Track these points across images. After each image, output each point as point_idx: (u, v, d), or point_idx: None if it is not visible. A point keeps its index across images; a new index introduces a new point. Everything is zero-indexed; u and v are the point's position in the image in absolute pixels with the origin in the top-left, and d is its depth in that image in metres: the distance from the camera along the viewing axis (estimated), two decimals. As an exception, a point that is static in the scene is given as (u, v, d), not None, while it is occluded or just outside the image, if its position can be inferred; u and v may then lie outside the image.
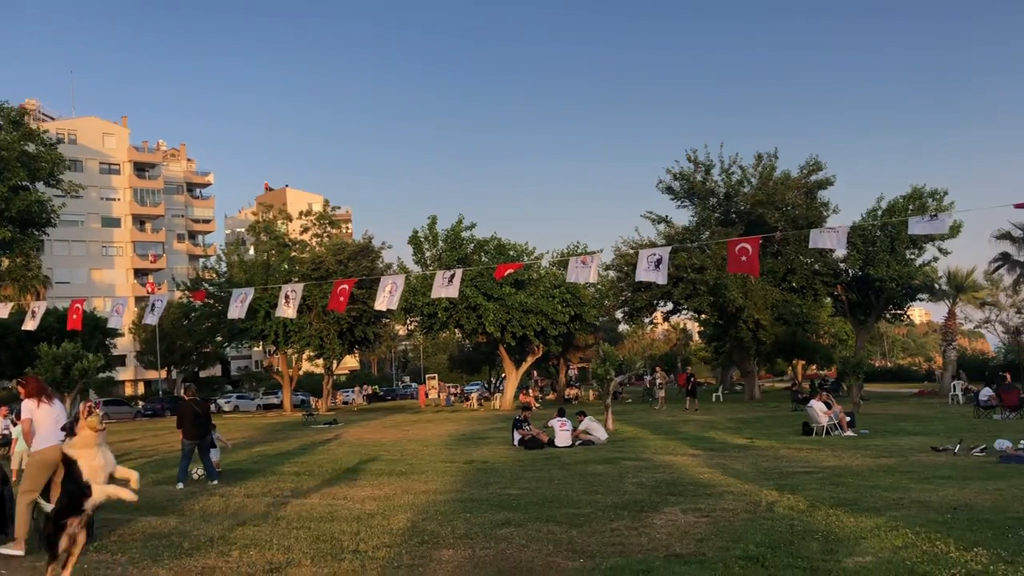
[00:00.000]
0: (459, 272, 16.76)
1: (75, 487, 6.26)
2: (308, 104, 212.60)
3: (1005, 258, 32.30)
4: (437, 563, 7.02)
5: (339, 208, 56.34)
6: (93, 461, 6.27)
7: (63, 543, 6.24)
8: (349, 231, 65.87)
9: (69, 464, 6.34)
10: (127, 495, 6.40)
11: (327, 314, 42.11)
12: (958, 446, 14.59)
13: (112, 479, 6.46)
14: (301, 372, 53.90)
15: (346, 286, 15.89)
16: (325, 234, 48.42)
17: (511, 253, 40.97)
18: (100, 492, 6.30)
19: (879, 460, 13.59)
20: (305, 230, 48.11)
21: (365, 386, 69.31)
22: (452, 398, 52.98)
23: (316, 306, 42.02)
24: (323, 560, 7.25)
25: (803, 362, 63.14)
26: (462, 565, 6.93)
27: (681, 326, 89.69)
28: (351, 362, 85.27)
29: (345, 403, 60.77)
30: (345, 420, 34.17)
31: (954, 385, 32.88)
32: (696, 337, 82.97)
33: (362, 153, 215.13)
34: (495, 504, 10.12)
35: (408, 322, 46.63)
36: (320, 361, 50.26)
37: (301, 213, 49.07)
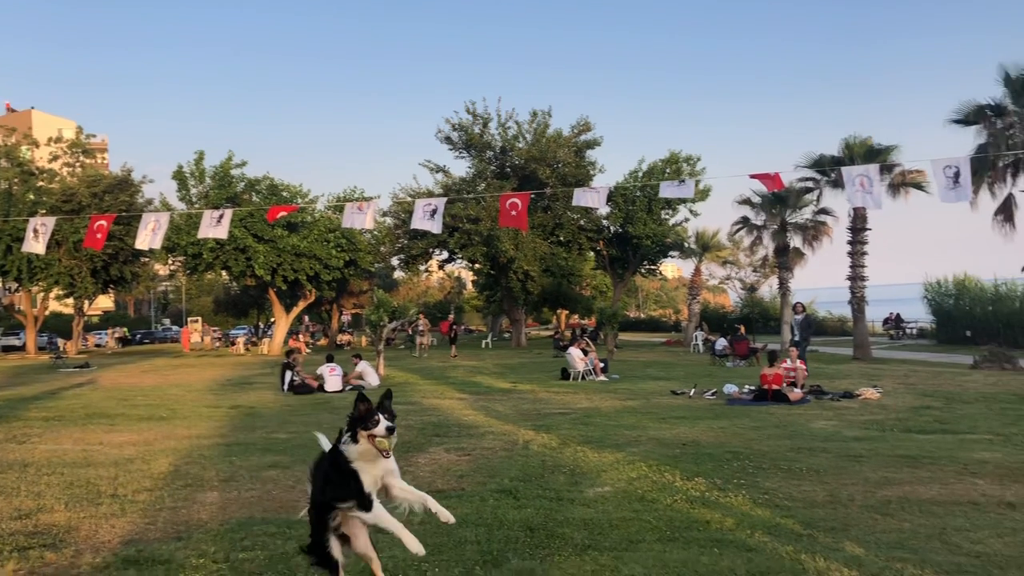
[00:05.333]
0: (228, 212, 16.24)
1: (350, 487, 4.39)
2: (59, 16, 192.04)
3: (745, 222, 35.60)
4: (201, 505, 7.02)
5: (94, 136, 51.48)
6: (375, 470, 4.42)
7: (335, 548, 4.55)
8: (105, 162, 60.74)
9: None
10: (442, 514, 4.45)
11: (79, 251, 38.88)
12: (693, 390, 16.28)
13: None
14: (48, 312, 49.47)
15: (104, 222, 14.92)
16: (78, 164, 44.30)
17: (284, 194, 39.74)
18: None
19: (625, 402, 14.89)
20: (55, 158, 43.75)
21: (117, 328, 64.78)
22: (217, 343, 51.04)
23: (67, 241, 38.63)
24: (78, 505, 7.02)
25: (567, 312, 66.59)
26: (227, 506, 6.98)
27: (456, 275, 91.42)
28: (105, 302, 79.41)
29: (98, 346, 56.70)
30: (98, 364, 32.03)
31: (696, 335, 36.14)
32: (470, 286, 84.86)
33: (119, 76, 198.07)
34: (261, 448, 10.14)
35: (170, 262, 44.14)
36: (70, 301, 46.38)
37: (50, 139, 44.51)
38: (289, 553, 5.55)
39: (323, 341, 50.66)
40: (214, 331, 56.72)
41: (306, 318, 57.83)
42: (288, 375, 18.46)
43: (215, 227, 15.63)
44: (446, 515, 4.39)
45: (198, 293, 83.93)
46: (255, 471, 8.52)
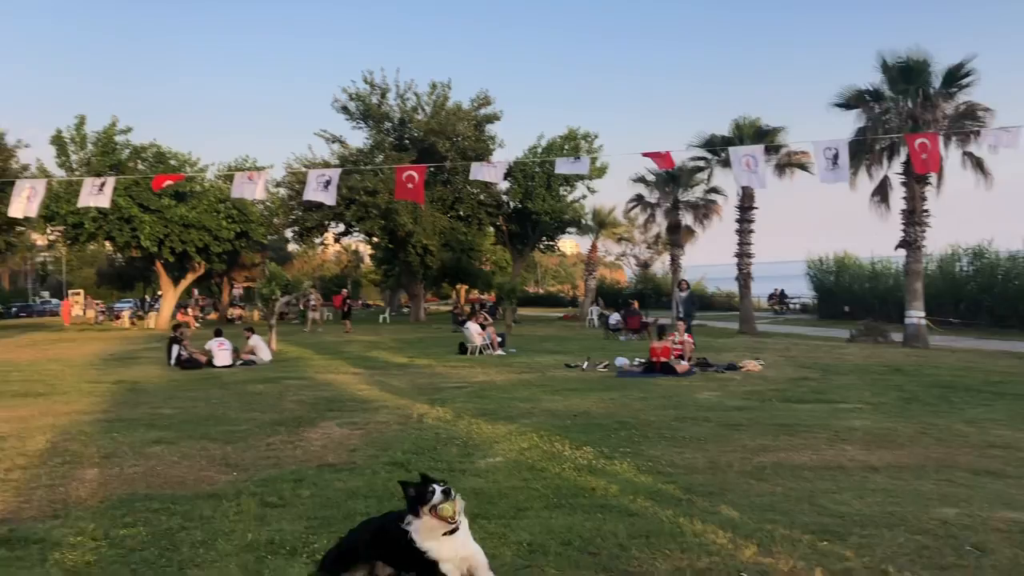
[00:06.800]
0: (111, 180, 15.58)
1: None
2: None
3: (639, 199, 36.34)
4: (80, 482, 6.79)
5: (-38, 96, 48.45)
6: (451, 553, 4.02)
7: None
8: (-25, 124, 56.98)
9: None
10: None
11: (-54, 219, 36.53)
12: (586, 363, 16.61)
13: None
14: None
15: (-28, 188, 14.08)
16: (-57, 126, 41.65)
17: (172, 163, 38.24)
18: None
19: (521, 375, 15.08)
20: (-84, 118, 41.01)
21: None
22: (101, 316, 48.99)
23: (-68, 209, 36.26)
24: (-57, 486, 6.68)
25: (466, 287, 66.67)
26: (108, 483, 6.77)
27: (353, 248, 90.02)
28: (-24, 274, 75.06)
29: (-32, 320, 53.67)
30: (-32, 339, 30.34)
31: (592, 310, 36.80)
32: (368, 260, 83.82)
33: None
34: (146, 424, 9.85)
35: (49, 232, 41.97)
36: (-64, 272, 43.67)
37: (-89, 98, 41.69)
38: (173, 529, 5.44)
39: (213, 315, 49.24)
40: (97, 304, 54.35)
41: (195, 291, 56.07)
42: (175, 349, 17.94)
43: (97, 195, 14.96)
44: None
45: (80, 264, 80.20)
46: (138, 447, 8.28)
